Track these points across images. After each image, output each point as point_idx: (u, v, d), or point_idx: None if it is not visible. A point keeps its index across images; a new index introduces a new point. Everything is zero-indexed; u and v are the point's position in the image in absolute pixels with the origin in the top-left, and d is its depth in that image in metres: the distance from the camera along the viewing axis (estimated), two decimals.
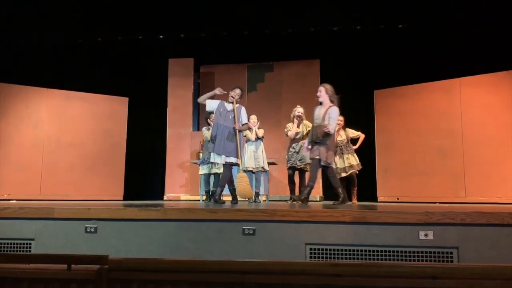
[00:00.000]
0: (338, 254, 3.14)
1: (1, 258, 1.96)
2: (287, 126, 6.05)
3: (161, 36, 8.50)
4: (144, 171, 8.81)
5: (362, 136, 6.11)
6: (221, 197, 4.96)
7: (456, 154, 6.95)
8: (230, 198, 5.19)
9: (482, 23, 6.94)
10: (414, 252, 3.05)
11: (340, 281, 1.69)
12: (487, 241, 2.98)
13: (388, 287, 1.68)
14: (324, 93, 4.93)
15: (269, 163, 6.44)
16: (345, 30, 8.08)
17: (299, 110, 5.95)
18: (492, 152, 6.61)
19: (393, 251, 3.08)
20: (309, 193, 4.80)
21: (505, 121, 6.58)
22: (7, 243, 3.52)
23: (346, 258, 3.13)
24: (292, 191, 5.94)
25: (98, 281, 1.75)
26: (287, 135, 6.03)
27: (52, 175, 7.57)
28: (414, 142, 7.39)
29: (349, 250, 3.14)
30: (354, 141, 6.11)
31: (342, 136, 5.99)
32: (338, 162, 5.95)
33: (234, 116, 5.02)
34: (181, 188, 8.15)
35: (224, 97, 5.15)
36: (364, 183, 6.36)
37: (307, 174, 5.82)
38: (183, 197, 8.06)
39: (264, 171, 6.27)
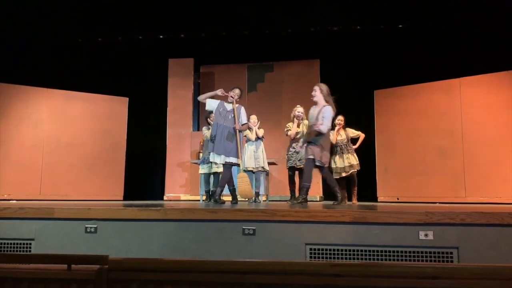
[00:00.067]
0: (338, 254, 3.14)
1: (1, 258, 1.97)
2: (287, 126, 6.05)
3: (161, 36, 8.50)
4: (144, 171, 8.81)
5: (362, 136, 6.11)
6: (221, 197, 4.96)
7: (456, 154, 6.95)
8: (230, 198, 5.19)
9: (482, 23, 6.94)
10: (414, 252, 3.05)
11: (340, 281, 1.69)
12: (487, 241, 2.98)
13: (388, 287, 1.68)
14: (318, 92, 4.94)
15: (269, 163, 6.44)
16: (345, 30, 8.08)
17: (299, 110, 5.95)
18: (492, 152, 6.61)
19: (393, 251, 3.08)
20: (306, 194, 4.80)
21: (505, 121, 6.58)
22: (7, 243, 3.52)
23: (346, 258, 3.13)
24: (292, 191, 5.93)
25: (98, 281, 1.75)
26: (287, 135, 6.03)
27: (52, 175, 7.57)
28: (414, 142, 7.39)
29: (349, 250, 3.14)
30: (354, 140, 6.10)
31: (342, 135, 5.99)
32: (338, 162, 5.94)
33: (234, 116, 5.02)
34: (181, 188, 8.15)
35: (224, 98, 5.15)
36: (364, 183, 6.35)
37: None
38: (183, 197, 8.07)
39: (264, 171, 6.27)
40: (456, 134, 6.99)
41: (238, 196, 5.19)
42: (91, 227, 3.42)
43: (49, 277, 1.79)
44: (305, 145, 4.99)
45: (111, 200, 7.57)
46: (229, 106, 5.09)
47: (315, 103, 4.98)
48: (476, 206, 4.86)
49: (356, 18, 7.67)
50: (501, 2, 6.60)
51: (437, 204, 5.81)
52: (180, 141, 8.32)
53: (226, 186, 5.07)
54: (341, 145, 5.96)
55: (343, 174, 5.90)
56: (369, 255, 3.11)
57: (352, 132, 6.08)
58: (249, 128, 6.01)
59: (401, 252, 3.07)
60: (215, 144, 4.89)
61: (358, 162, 5.91)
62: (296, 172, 5.91)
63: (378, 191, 7.66)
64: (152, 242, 3.36)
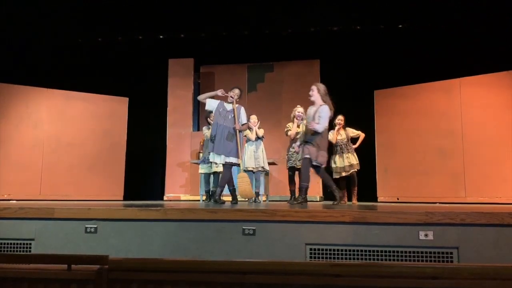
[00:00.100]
0: (338, 254, 3.14)
1: (1, 258, 1.96)
2: (287, 126, 6.05)
3: (161, 36, 8.50)
4: (144, 171, 8.81)
5: (362, 135, 6.11)
6: (221, 197, 4.96)
7: (456, 154, 6.95)
8: (230, 198, 5.19)
9: (482, 23, 6.94)
10: (414, 252, 3.05)
11: (340, 281, 1.69)
12: (487, 241, 2.98)
13: (388, 287, 1.68)
14: (316, 92, 4.94)
15: (269, 163, 6.44)
16: (345, 30, 8.08)
17: (299, 110, 5.95)
18: (492, 152, 6.61)
19: (393, 251, 3.08)
20: (305, 194, 4.80)
21: (505, 121, 6.58)
22: (7, 243, 3.52)
23: (346, 258, 3.13)
24: (292, 191, 5.93)
25: (98, 281, 1.75)
26: (287, 135, 6.03)
27: (52, 175, 7.57)
28: (414, 142, 7.39)
29: (349, 250, 3.14)
30: (354, 140, 6.11)
31: (342, 135, 5.99)
32: (338, 161, 5.95)
33: (234, 116, 5.02)
34: (181, 188, 8.15)
35: (224, 98, 5.16)
36: (364, 183, 6.35)
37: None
38: (183, 197, 8.07)
39: (264, 171, 6.27)
40: (456, 134, 6.99)
41: (238, 196, 5.19)
42: (91, 227, 3.42)
43: (49, 277, 1.79)
44: (302, 144, 5.00)
45: (111, 200, 7.56)
46: (229, 106, 5.09)
47: (313, 103, 4.98)
48: (476, 206, 4.86)
49: (356, 18, 7.67)
50: (501, 2, 6.60)
51: (437, 204, 5.81)
52: (180, 141, 8.32)
53: (226, 186, 5.07)
54: (341, 145, 5.96)
55: (343, 174, 5.90)
56: (369, 255, 3.11)
57: (352, 132, 6.08)
58: (249, 128, 6.02)
59: (401, 252, 3.07)
60: (215, 144, 4.89)
61: (358, 162, 5.91)
62: (296, 172, 5.90)
63: (378, 191, 7.66)
64: (152, 242, 3.36)
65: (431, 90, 7.36)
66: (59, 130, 7.76)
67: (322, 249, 3.17)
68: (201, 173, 6.61)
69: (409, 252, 3.05)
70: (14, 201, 6.40)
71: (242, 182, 5.02)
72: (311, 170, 4.90)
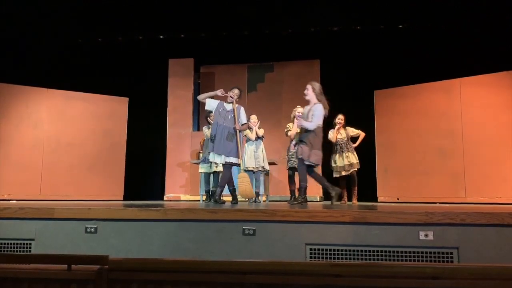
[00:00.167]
0: (338, 254, 3.14)
1: (1, 258, 1.96)
2: (287, 126, 6.06)
3: (161, 36, 8.50)
4: (144, 171, 8.81)
5: (362, 135, 6.11)
6: (221, 197, 4.96)
7: (456, 154, 6.95)
8: (230, 198, 5.19)
9: (482, 23, 6.94)
10: (414, 252, 3.05)
11: (340, 281, 1.69)
12: (487, 241, 2.98)
13: (388, 287, 1.68)
14: (311, 91, 4.94)
15: (269, 163, 6.44)
16: (345, 30, 8.08)
17: (299, 110, 5.94)
18: (492, 152, 6.61)
19: (393, 252, 3.08)
20: (305, 193, 4.79)
21: (505, 121, 6.58)
22: (7, 243, 3.52)
23: (346, 259, 3.13)
24: (292, 191, 5.93)
25: (98, 281, 1.75)
26: (287, 135, 6.03)
27: (52, 175, 7.57)
28: (414, 142, 7.39)
29: (349, 251, 3.14)
30: (354, 139, 6.11)
31: (342, 134, 6.00)
32: (338, 161, 5.96)
33: (234, 116, 5.02)
34: (181, 188, 8.15)
35: (223, 98, 5.16)
36: (364, 183, 6.36)
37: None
38: (183, 197, 8.06)
39: (264, 170, 6.27)
40: (456, 134, 6.99)
41: (238, 196, 5.19)
42: (91, 227, 3.42)
43: (49, 277, 1.79)
44: (297, 144, 5.01)
45: (111, 200, 7.56)
46: (228, 106, 5.09)
47: (308, 102, 4.98)
48: (476, 206, 4.86)
49: (356, 18, 7.67)
50: (501, 2, 6.60)
51: (437, 204, 5.81)
52: (180, 141, 8.32)
53: (226, 186, 5.07)
54: (341, 144, 5.97)
55: (343, 173, 5.91)
56: (369, 255, 3.11)
57: (352, 131, 6.08)
58: (249, 128, 6.02)
59: (401, 252, 3.07)
60: (215, 144, 4.90)
61: (358, 161, 5.92)
62: (296, 173, 5.90)
63: (378, 191, 7.66)
64: (152, 242, 3.36)
65: (431, 90, 7.36)
66: (59, 130, 7.76)
67: (322, 249, 3.17)
68: (201, 172, 6.61)
69: (409, 252, 3.05)
70: (14, 201, 6.40)
71: (242, 182, 5.02)
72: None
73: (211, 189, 6.49)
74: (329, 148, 6.23)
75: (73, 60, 8.23)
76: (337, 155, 5.96)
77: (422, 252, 3.04)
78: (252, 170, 6.06)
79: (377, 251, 3.10)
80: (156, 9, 7.44)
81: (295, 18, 7.75)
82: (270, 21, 7.91)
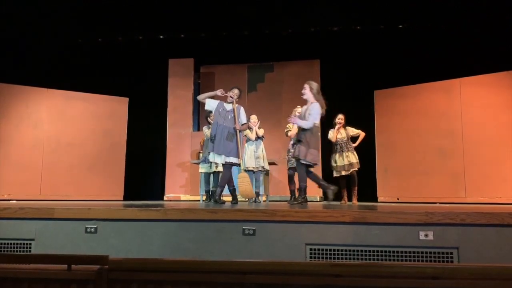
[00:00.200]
0: (338, 254, 3.14)
1: (1, 258, 1.96)
2: (287, 126, 6.06)
3: (161, 36, 8.50)
4: (144, 171, 8.81)
5: (362, 134, 6.11)
6: (221, 197, 4.96)
7: (456, 154, 6.95)
8: (230, 198, 5.19)
9: (482, 23, 6.94)
10: (414, 252, 3.05)
11: (340, 281, 1.69)
12: (487, 241, 2.97)
13: (388, 287, 1.68)
14: (308, 91, 4.93)
15: (269, 163, 6.44)
16: (345, 30, 8.08)
17: (299, 110, 5.94)
18: (492, 152, 6.61)
19: (393, 252, 3.08)
20: (305, 193, 4.79)
21: (505, 121, 6.58)
22: (7, 243, 3.52)
23: (346, 259, 3.13)
24: (292, 191, 5.94)
25: (98, 282, 1.75)
26: (287, 135, 6.03)
27: (52, 175, 7.57)
28: (414, 142, 7.39)
29: (349, 251, 3.14)
30: (354, 139, 6.12)
31: (342, 134, 6.00)
32: (338, 160, 5.96)
33: (234, 116, 5.02)
34: (181, 188, 8.15)
35: (223, 98, 5.16)
36: (364, 183, 6.36)
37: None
38: (183, 197, 8.06)
39: (264, 170, 6.27)
40: (456, 134, 6.99)
41: (238, 196, 5.19)
42: (91, 227, 3.42)
43: (49, 277, 1.79)
44: (295, 144, 5.01)
45: (111, 200, 7.57)
46: (228, 106, 5.09)
47: (306, 101, 4.98)
48: (476, 206, 4.86)
49: (356, 18, 7.67)
50: (501, 2, 6.60)
51: (437, 204, 5.81)
52: (180, 141, 8.32)
53: (226, 186, 5.07)
54: (341, 143, 5.98)
55: (343, 173, 5.91)
56: (369, 255, 3.11)
57: (352, 131, 6.09)
58: (249, 128, 6.02)
59: (401, 252, 3.07)
60: (215, 144, 4.90)
61: (358, 161, 5.92)
62: (296, 173, 5.91)
63: (378, 191, 7.66)
64: (152, 242, 3.36)
65: (431, 90, 7.36)
66: (59, 130, 7.76)
67: (322, 249, 3.17)
68: (201, 172, 6.61)
69: (409, 252, 3.05)
70: (14, 201, 6.40)
71: (242, 182, 5.02)
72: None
73: (211, 189, 6.49)
74: (329, 148, 6.24)
75: (73, 60, 8.23)
76: (337, 155, 5.97)
77: (422, 252, 3.04)
78: (252, 170, 6.06)
79: (377, 251, 3.10)
80: (156, 9, 7.44)
81: (295, 18, 7.75)
82: (270, 21, 7.91)
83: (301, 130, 4.87)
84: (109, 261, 1.78)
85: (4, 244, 3.52)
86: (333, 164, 6.00)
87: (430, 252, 3.03)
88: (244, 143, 6.12)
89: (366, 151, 6.58)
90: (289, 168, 5.93)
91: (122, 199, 8.01)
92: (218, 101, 5.13)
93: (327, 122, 6.60)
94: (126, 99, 8.36)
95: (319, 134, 6.22)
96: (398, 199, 7.45)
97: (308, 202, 5.06)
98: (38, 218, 3.50)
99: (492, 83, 6.82)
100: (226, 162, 4.90)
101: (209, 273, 1.76)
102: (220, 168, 5.66)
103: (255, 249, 3.21)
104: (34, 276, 1.79)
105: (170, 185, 8.16)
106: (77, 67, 8.21)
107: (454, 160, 6.96)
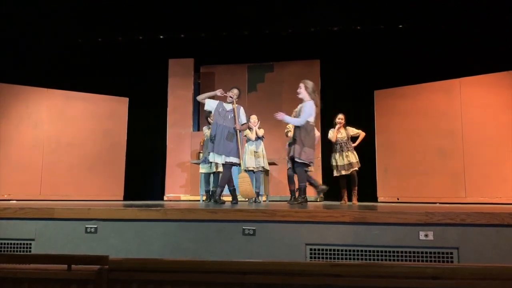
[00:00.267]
0: (338, 254, 3.14)
1: (1, 258, 1.96)
2: (287, 127, 6.05)
3: (161, 36, 8.50)
4: (144, 171, 8.81)
5: (362, 134, 6.12)
6: (221, 197, 4.96)
7: (456, 154, 6.95)
8: (230, 198, 5.19)
9: (482, 23, 6.94)
10: (414, 252, 3.05)
11: (340, 281, 1.69)
12: (487, 241, 2.97)
13: (388, 287, 1.68)
14: (303, 89, 4.94)
15: (269, 163, 6.44)
16: (345, 30, 8.08)
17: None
18: (492, 152, 6.61)
19: (393, 252, 3.08)
20: (305, 193, 4.79)
21: (505, 121, 6.58)
22: (7, 243, 3.52)
23: (346, 259, 3.13)
24: (292, 191, 5.93)
25: (99, 282, 1.75)
26: (287, 135, 6.02)
27: (52, 175, 7.57)
28: (414, 142, 7.39)
29: (349, 251, 3.14)
30: (354, 139, 6.12)
31: (342, 133, 6.01)
32: (338, 160, 5.97)
33: (234, 116, 5.02)
34: (181, 188, 8.15)
35: (223, 98, 5.16)
36: (364, 183, 6.36)
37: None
38: (183, 197, 8.06)
39: (264, 171, 6.27)
40: (456, 134, 6.99)
41: (238, 196, 5.19)
42: (91, 227, 3.42)
43: (49, 277, 1.79)
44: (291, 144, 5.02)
45: (111, 200, 7.57)
46: (228, 106, 5.09)
47: (301, 100, 4.97)
48: (476, 206, 4.86)
49: (356, 18, 7.67)
50: (501, 2, 6.60)
51: (437, 204, 5.81)
52: (180, 141, 8.32)
53: (226, 186, 5.06)
54: (341, 143, 5.98)
55: (343, 172, 5.92)
56: (369, 255, 3.11)
57: (352, 131, 6.10)
58: (249, 128, 6.03)
59: (401, 252, 3.07)
60: (215, 144, 4.89)
61: (358, 160, 5.92)
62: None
63: (378, 191, 7.66)
64: (152, 242, 3.36)
65: (431, 90, 7.36)
66: (59, 130, 7.76)
67: (322, 249, 3.17)
68: (201, 172, 6.61)
69: (409, 252, 3.05)
70: (14, 201, 6.40)
71: (243, 182, 5.02)
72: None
73: (211, 189, 6.49)
74: (329, 148, 6.25)
75: (73, 60, 8.23)
76: (337, 154, 5.98)
77: (422, 252, 3.04)
78: (252, 170, 6.06)
79: (377, 251, 3.10)
80: (156, 9, 7.44)
81: (295, 18, 7.75)
82: (270, 21, 7.91)
83: (295, 129, 4.87)
84: (109, 261, 1.78)
85: (4, 244, 3.52)
86: (333, 164, 6.01)
87: (430, 252, 3.03)
88: (244, 143, 6.12)
89: (366, 151, 6.59)
90: (289, 168, 5.93)
91: (122, 199, 8.01)
92: (218, 101, 5.13)
93: (327, 122, 6.62)
94: (126, 99, 8.36)
95: (317, 133, 6.23)
96: (398, 199, 7.45)
97: (308, 202, 5.06)
98: (38, 218, 3.50)
99: (492, 83, 6.82)
100: (226, 162, 4.90)
101: (209, 273, 1.76)
102: (221, 169, 5.65)
103: (255, 249, 3.21)
104: (34, 276, 1.79)
105: (170, 185, 8.16)
106: (77, 67, 8.21)
107: (454, 160, 6.96)
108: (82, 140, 7.91)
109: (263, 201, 6.47)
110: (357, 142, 6.08)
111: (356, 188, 5.96)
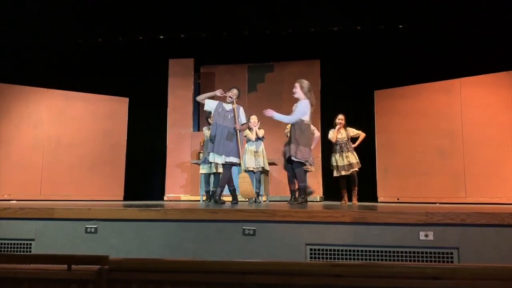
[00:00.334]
0: (338, 254, 3.14)
1: (1, 258, 1.96)
2: (287, 127, 6.05)
3: (161, 36, 8.50)
4: (144, 171, 8.81)
5: (362, 135, 6.12)
6: (221, 198, 4.96)
7: (456, 154, 6.95)
8: (230, 198, 5.19)
9: (482, 23, 6.94)
10: (414, 252, 3.05)
11: (340, 281, 1.69)
12: (487, 241, 2.97)
13: None
14: (299, 89, 4.94)
15: (269, 163, 6.44)
16: (345, 30, 8.08)
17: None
18: (492, 152, 6.61)
19: (393, 252, 3.08)
20: (304, 193, 4.78)
21: (505, 121, 6.58)
22: (8, 243, 3.52)
23: (346, 259, 3.13)
24: (292, 191, 5.92)
25: (99, 282, 1.75)
26: (287, 136, 6.02)
27: (52, 175, 7.57)
28: (414, 142, 7.39)
29: (349, 251, 3.14)
30: (354, 140, 6.13)
31: (342, 134, 6.01)
32: (338, 160, 5.97)
33: (234, 116, 5.02)
34: (181, 189, 8.15)
35: (222, 98, 5.15)
36: (364, 183, 6.36)
37: (308, 175, 5.84)
38: (183, 197, 8.06)
39: (264, 171, 6.27)
40: (456, 134, 6.99)
41: (238, 196, 5.19)
42: (91, 227, 3.42)
43: (49, 277, 1.79)
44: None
45: (111, 200, 7.57)
46: (228, 106, 5.09)
47: (297, 100, 4.97)
48: (476, 207, 4.86)
49: (356, 18, 7.67)
50: (501, 2, 6.60)
51: (437, 205, 5.81)
52: (180, 141, 8.32)
53: (227, 186, 5.06)
54: (341, 144, 5.99)
55: (343, 173, 5.92)
56: (369, 255, 3.11)
57: (352, 131, 6.10)
58: (249, 129, 6.03)
59: (401, 252, 3.07)
60: (215, 144, 4.89)
61: (358, 161, 5.93)
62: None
63: (378, 191, 7.66)
64: (152, 243, 3.36)
65: (431, 90, 7.36)
66: (59, 130, 7.76)
67: (322, 250, 3.17)
68: (201, 173, 6.61)
69: (409, 252, 3.05)
70: (14, 201, 6.40)
71: (243, 182, 5.02)
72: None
73: (211, 189, 6.49)
74: (329, 148, 6.25)
75: (73, 60, 8.23)
76: (337, 155, 5.98)
77: (422, 252, 3.04)
78: (252, 171, 6.06)
79: (377, 251, 3.10)
80: (156, 9, 7.44)
81: (295, 18, 7.74)
82: (270, 21, 7.90)
83: (291, 128, 4.88)
84: (109, 261, 1.78)
85: (4, 244, 3.52)
86: (333, 164, 6.02)
87: (430, 252, 3.03)
88: (244, 144, 6.12)
89: (366, 151, 6.59)
90: (286, 167, 5.93)
91: (122, 199, 8.00)
92: (217, 101, 5.13)
93: (327, 123, 6.62)
94: (126, 99, 8.36)
95: (317, 133, 6.24)
96: (398, 199, 7.45)
97: (308, 202, 5.06)
98: (38, 218, 3.50)
99: (492, 83, 6.82)
100: (226, 162, 4.90)
101: (209, 273, 1.76)
102: (221, 170, 5.65)
103: (255, 249, 3.21)
104: (34, 276, 1.79)
105: (170, 185, 8.16)
106: (77, 67, 8.21)
107: (454, 160, 6.96)
108: (82, 140, 7.91)
109: (263, 201, 6.47)
110: (357, 143, 6.08)
111: (356, 188, 5.96)
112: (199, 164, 6.67)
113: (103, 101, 8.23)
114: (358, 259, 3.11)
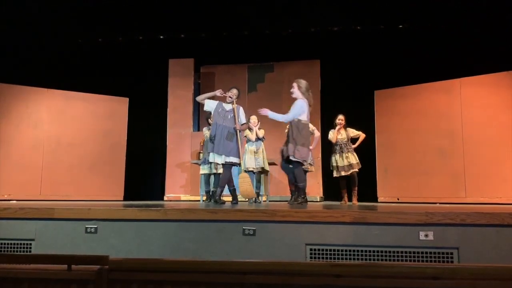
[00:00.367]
0: (338, 254, 3.14)
1: (1, 258, 1.96)
2: (287, 127, 6.05)
3: (161, 36, 8.50)
4: (144, 171, 8.81)
5: (362, 136, 6.12)
6: (221, 198, 4.96)
7: (456, 154, 6.95)
8: (230, 198, 5.19)
9: (482, 23, 6.94)
10: (414, 252, 3.05)
11: (340, 281, 1.69)
12: (487, 241, 2.97)
13: None
14: (296, 89, 4.94)
15: (269, 163, 6.44)
16: (345, 30, 8.08)
17: None
18: (492, 152, 6.61)
19: (393, 252, 3.08)
20: (304, 193, 4.78)
21: (505, 121, 6.58)
22: (8, 243, 3.52)
23: (346, 259, 3.13)
24: (292, 191, 5.93)
25: (99, 282, 1.75)
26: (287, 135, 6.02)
27: (52, 175, 7.57)
28: (414, 142, 7.39)
29: (349, 251, 3.14)
30: (354, 140, 6.13)
31: (342, 134, 6.01)
32: (338, 161, 5.97)
33: (234, 116, 5.02)
34: (181, 189, 8.15)
35: (222, 98, 5.16)
36: (364, 183, 6.36)
37: (308, 175, 5.85)
38: (184, 197, 8.06)
39: (264, 171, 6.27)
40: (456, 134, 6.99)
41: (238, 196, 5.19)
42: (91, 227, 3.42)
43: (49, 277, 1.79)
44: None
45: (111, 200, 7.57)
46: (228, 106, 5.10)
47: (295, 100, 4.97)
48: (476, 207, 4.86)
49: (356, 18, 7.66)
50: (501, 2, 6.60)
51: (437, 205, 5.81)
52: (180, 141, 8.32)
53: (227, 186, 5.07)
54: (341, 144, 5.99)
55: (343, 173, 5.92)
56: (369, 255, 3.11)
57: (353, 132, 6.10)
58: (249, 129, 6.03)
59: (401, 252, 3.07)
60: (215, 144, 4.89)
61: (358, 161, 5.93)
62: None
63: (378, 191, 7.66)
64: (152, 242, 3.36)
65: (431, 90, 7.36)
66: (59, 130, 7.76)
67: (322, 250, 3.17)
68: (201, 174, 6.61)
69: (409, 252, 3.05)
70: (14, 201, 6.40)
71: (243, 182, 5.02)
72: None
73: (211, 189, 6.49)
74: (329, 149, 6.25)
75: (73, 60, 8.23)
76: (337, 155, 5.98)
77: (422, 252, 3.04)
78: (252, 171, 6.06)
79: (377, 251, 3.10)
80: (156, 9, 7.44)
81: (295, 18, 7.74)
82: (270, 21, 7.90)
83: (289, 128, 4.88)
84: (109, 261, 1.78)
85: (4, 244, 3.52)
86: (333, 165, 6.01)
87: (430, 252, 3.03)
88: (244, 144, 6.12)
89: (366, 151, 6.58)
90: (282, 165, 5.92)
91: (122, 199, 8.00)
92: (217, 101, 5.13)
93: (327, 123, 6.62)
94: (126, 99, 8.36)
95: (317, 133, 6.23)
96: (398, 199, 7.45)
97: (308, 202, 5.06)
98: (38, 218, 3.50)
99: (492, 83, 6.82)
100: (226, 162, 4.90)
101: (209, 273, 1.76)
102: (221, 170, 5.66)
103: (255, 249, 3.21)
104: (34, 276, 1.79)
105: (170, 185, 8.16)
106: (77, 67, 8.21)
107: (454, 160, 6.96)
108: (82, 140, 7.91)
109: (263, 201, 6.47)
110: (357, 144, 6.08)
111: (356, 188, 5.96)
112: (199, 164, 6.67)
113: (103, 101, 8.23)
114: (358, 259, 3.11)
